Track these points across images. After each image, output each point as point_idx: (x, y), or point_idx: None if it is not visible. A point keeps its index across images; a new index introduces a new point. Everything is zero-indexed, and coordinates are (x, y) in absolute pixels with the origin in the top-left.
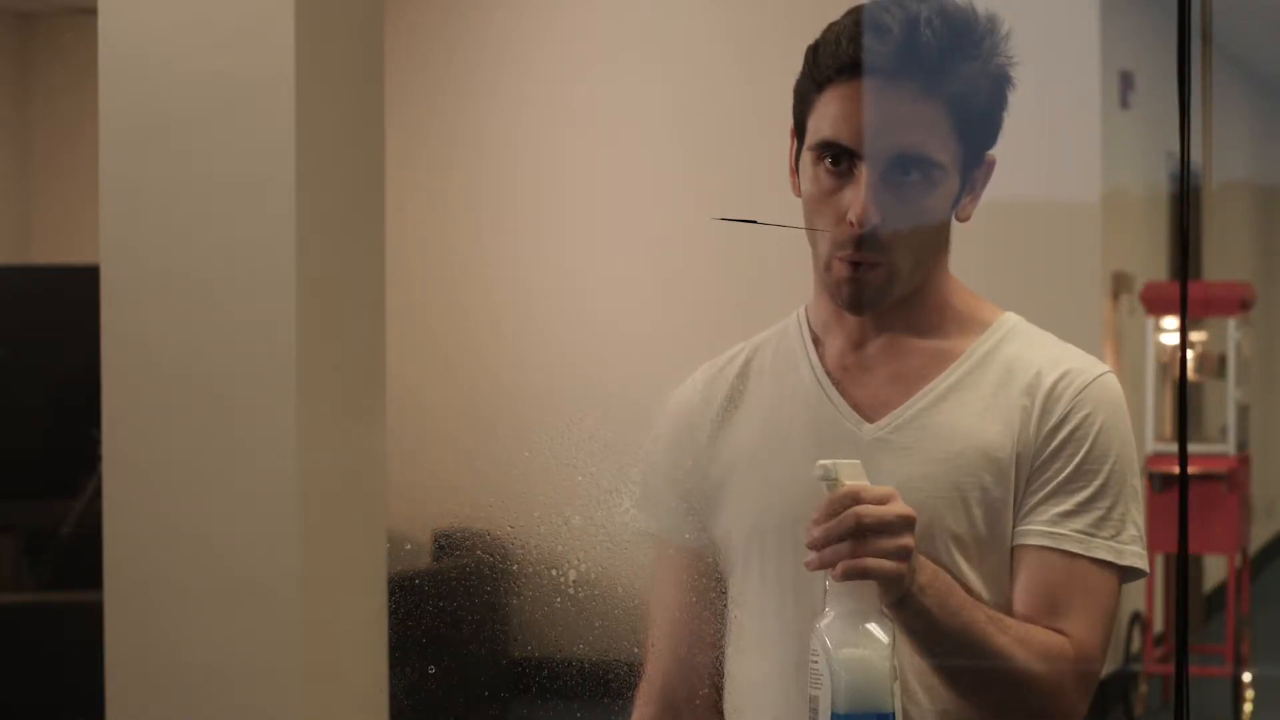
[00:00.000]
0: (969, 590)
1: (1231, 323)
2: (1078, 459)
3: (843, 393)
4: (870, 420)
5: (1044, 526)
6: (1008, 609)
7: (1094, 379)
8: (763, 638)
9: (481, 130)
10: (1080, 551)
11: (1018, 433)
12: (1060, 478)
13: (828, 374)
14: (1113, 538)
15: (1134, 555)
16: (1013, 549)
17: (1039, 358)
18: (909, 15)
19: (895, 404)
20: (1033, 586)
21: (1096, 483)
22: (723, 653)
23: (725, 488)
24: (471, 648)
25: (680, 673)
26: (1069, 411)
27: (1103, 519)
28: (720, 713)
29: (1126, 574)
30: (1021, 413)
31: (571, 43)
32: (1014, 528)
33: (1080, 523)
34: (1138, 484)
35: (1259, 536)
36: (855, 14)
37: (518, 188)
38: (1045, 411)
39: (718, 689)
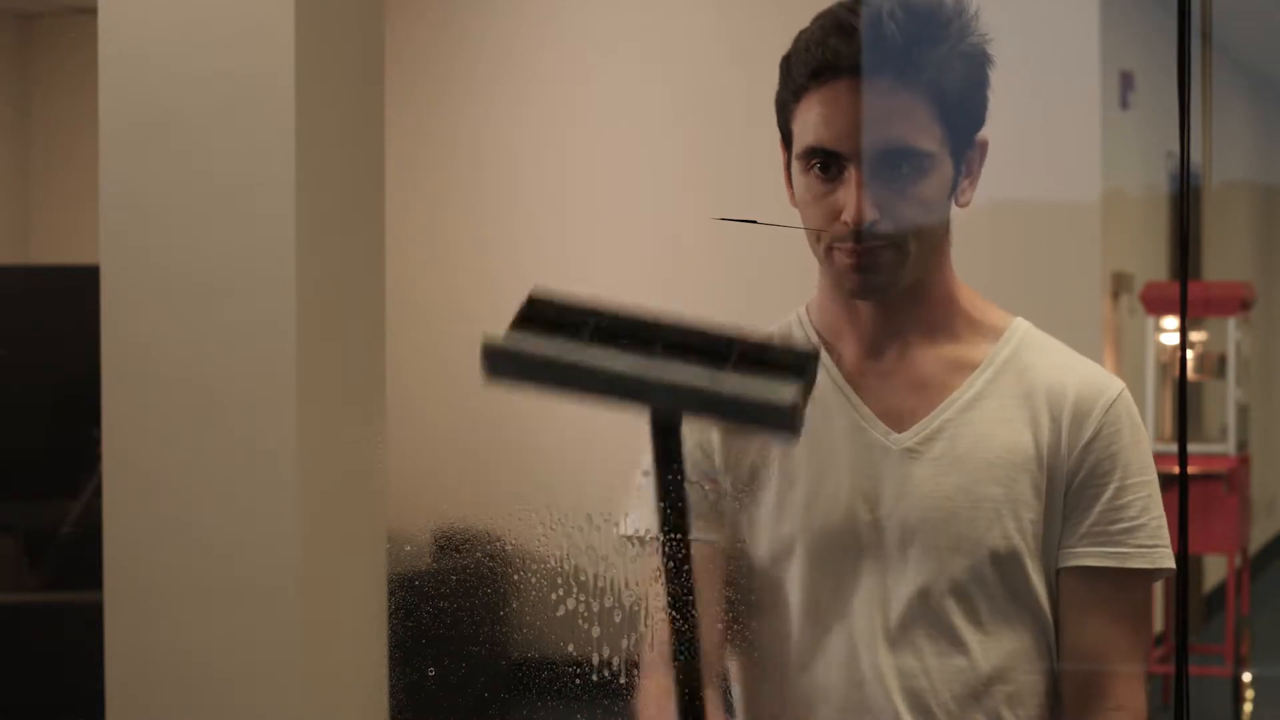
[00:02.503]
0: (994, 601)
1: (1231, 323)
2: (1117, 474)
3: (865, 400)
4: (897, 429)
5: (1108, 547)
6: (1039, 622)
7: (1118, 394)
8: (785, 643)
9: (481, 130)
10: (1147, 566)
11: (1047, 445)
12: (1107, 494)
13: (848, 381)
14: (1168, 544)
15: (1171, 556)
16: (1063, 570)
17: (1057, 367)
18: (871, 11)
19: (921, 413)
20: (1095, 606)
21: (1143, 495)
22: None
23: (752, 495)
24: (471, 648)
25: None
26: (1099, 430)
27: (1158, 527)
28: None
29: (1157, 575)
30: (1051, 425)
31: (571, 43)
32: (1062, 548)
33: (1141, 537)
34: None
35: (1259, 536)
36: (820, 19)
37: (518, 188)
38: (1075, 427)
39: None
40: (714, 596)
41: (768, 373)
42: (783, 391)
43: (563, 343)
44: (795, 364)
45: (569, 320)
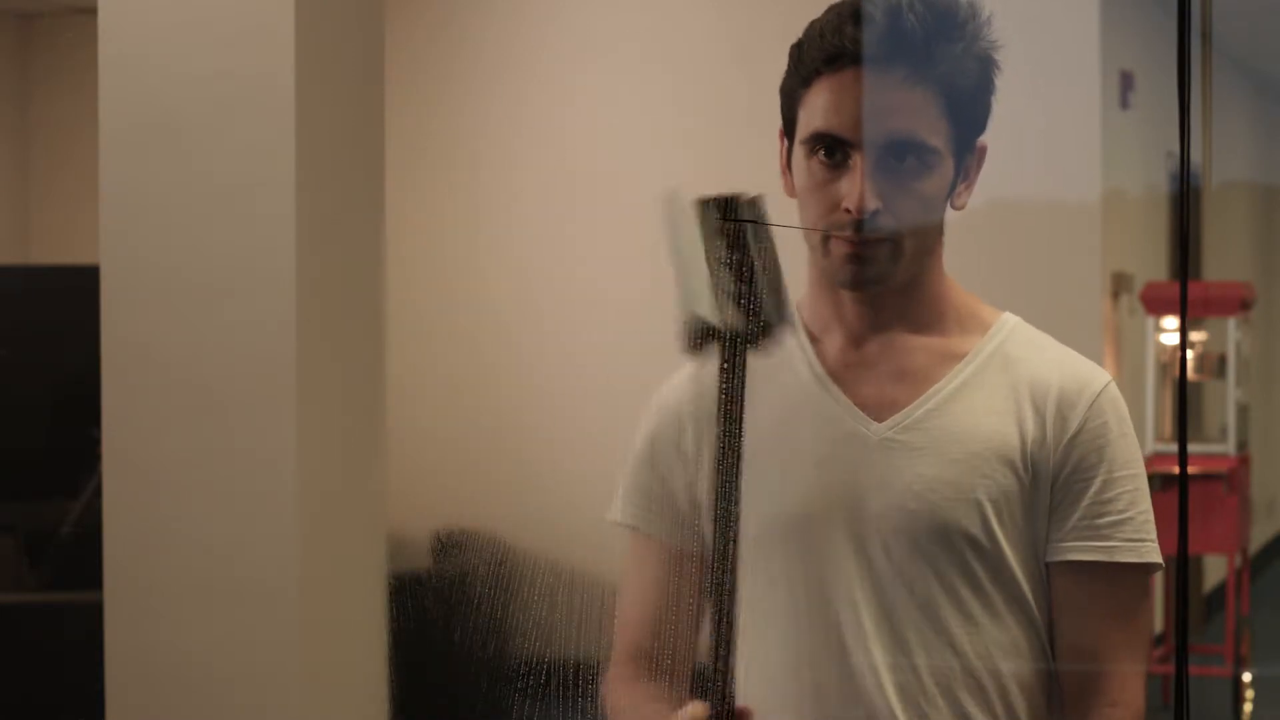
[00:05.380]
0: (980, 594)
1: (1231, 323)
2: (1103, 468)
3: (845, 391)
4: (877, 419)
5: (1095, 541)
6: (1027, 616)
7: (1103, 387)
8: (769, 640)
9: (481, 130)
10: (1134, 560)
11: (1031, 437)
12: (1093, 488)
13: (828, 372)
14: (1154, 540)
15: (1158, 551)
16: (1051, 565)
17: (1044, 361)
18: (891, 2)
19: (903, 403)
20: (1086, 602)
21: (1130, 488)
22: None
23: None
24: (471, 648)
25: (657, 641)
26: (1084, 423)
27: (1144, 522)
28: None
29: (1145, 570)
30: (1035, 417)
31: (571, 43)
32: (1050, 543)
33: (1128, 531)
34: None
35: (1259, 536)
36: (837, 8)
37: (518, 187)
38: (1060, 420)
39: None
40: (669, 590)
41: None
42: None
43: None
44: None
45: None
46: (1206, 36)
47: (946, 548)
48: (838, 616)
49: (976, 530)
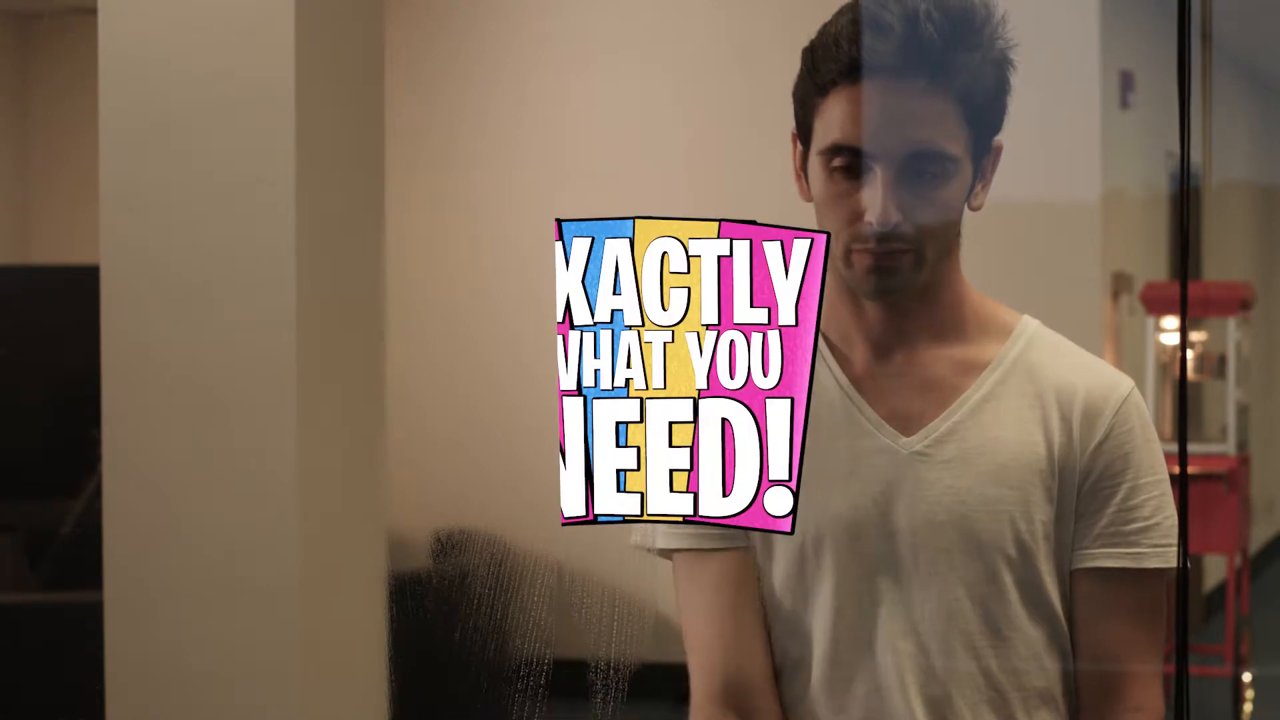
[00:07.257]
0: (1007, 604)
1: (1231, 323)
2: (1130, 474)
3: (872, 404)
4: (905, 433)
5: (1122, 548)
6: (1052, 625)
7: (1129, 393)
8: (803, 655)
9: (481, 130)
10: (1162, 565)
11: (1059, 446)
12: (1120, 494)
13: (854, 385)
14: (1178, 543)
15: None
16: (1076, 571)
17: (1067, 366)
18: (907, 11)
19: (930, 416)
20: (1111, 608)
21: (1156, 494)
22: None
23: None
24: (471, 648)
25: (736, 671)
26: (1111, 429)
27: (1170, 527)
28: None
29: (1170, 575)
30: (1062, 425)
31: (572, 43)
32: (1075, 549)
33: (1155, 537)
34: None
35: (1259, 536)
36: (851, 13)
37: (517, 187)
38: (1086, 427)
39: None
40: (753, 604)
41: None
42: None
43: None
44: None
45: None
46: (1206, 36)
47: (976, 559)
48: (869, 628)
49: (1007, 540)
